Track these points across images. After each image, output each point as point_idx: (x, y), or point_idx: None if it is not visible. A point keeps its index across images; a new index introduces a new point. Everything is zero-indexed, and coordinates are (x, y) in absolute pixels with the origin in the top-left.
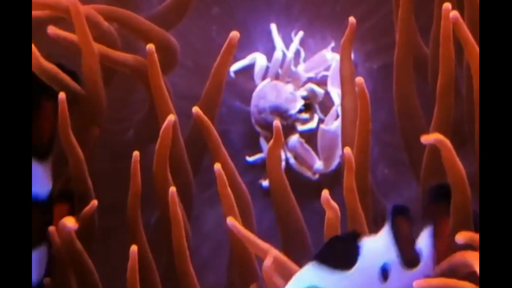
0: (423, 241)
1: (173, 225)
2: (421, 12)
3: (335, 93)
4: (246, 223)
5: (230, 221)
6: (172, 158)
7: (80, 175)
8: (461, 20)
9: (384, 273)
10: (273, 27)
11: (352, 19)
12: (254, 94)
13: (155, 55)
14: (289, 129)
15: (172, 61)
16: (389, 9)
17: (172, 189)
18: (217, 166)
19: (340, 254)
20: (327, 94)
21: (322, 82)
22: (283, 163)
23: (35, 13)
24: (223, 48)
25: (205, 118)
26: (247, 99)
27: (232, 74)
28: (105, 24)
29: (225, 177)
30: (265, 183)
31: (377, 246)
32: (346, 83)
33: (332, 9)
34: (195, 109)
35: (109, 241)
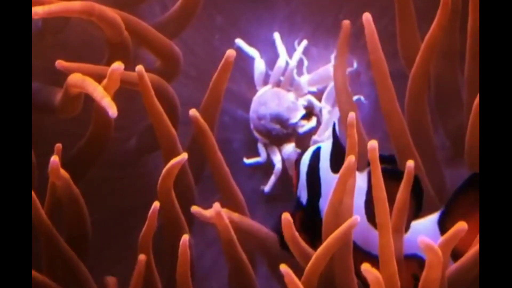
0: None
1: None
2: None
3: (326, 110)
4: None
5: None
6: None
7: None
8: None
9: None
10: (277, 35)
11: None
12: (254, 99)
13: (146, 76)
14: (287, 136)
15: (175, 70)
16: (391, 18)
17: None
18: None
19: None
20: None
21: (320, 97)
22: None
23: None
24: (219, 67)
25: (202, 120)
26: (249, 107)
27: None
28: (125, 31)
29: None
30: (266, 188)
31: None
32: (340, 92)
33: (335, 18)
34: (192, 112)
35: (112, 249)
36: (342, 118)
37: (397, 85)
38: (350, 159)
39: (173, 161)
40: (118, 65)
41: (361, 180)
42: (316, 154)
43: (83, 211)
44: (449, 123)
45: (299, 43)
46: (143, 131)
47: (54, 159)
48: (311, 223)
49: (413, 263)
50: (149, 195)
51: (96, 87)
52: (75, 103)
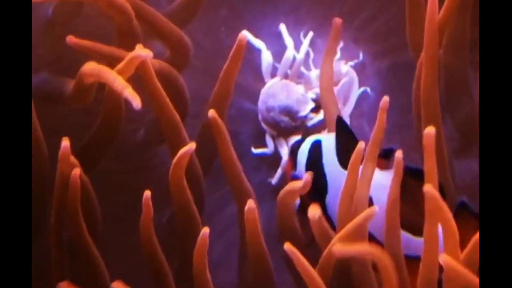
0: None
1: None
2: None
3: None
4: None
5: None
6: None
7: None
8: None
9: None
10: (283, 27)
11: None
12: (263, 91)
13: (149, 61)
14: (295, 129)
15: (185, 60)
16: (397, 9)
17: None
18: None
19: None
20: None
21: None
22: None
23: None
24: (232, 51)
25: (220, 120)
26: (256, 99)
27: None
28: (135, 20)
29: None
30: (273, 181)
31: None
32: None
33: (340, 10)
34: (212, 112)
35: (118, 243)
36: (326, 116)
37: (402, 76)
38: (360, 146)
39: (182, 151)
40: (144, 53)
41: (384, 177)
42: (316, 148)
43: (93, 202)
44: (457, 115)
45: (304, 35)
46: (151, 123)
47: (65, 146)
48: None
49: None
50: (157, 189)
51: (116, 77)
52: (88, 92)
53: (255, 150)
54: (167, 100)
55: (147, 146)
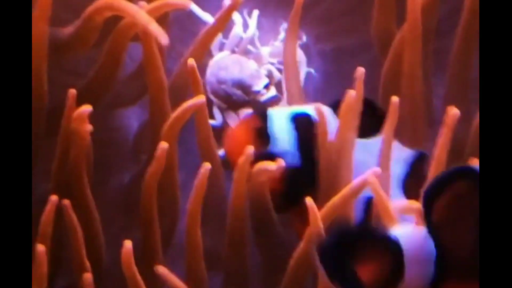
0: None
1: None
2: None
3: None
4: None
5: None
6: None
7: None
8: None
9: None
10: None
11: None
12: (212, 63)
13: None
14: (246, 103)
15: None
16: None
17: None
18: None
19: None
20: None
21: (279, 70)
22: None
23: None
24: (220, 13)
25: (197, 74)
26: (202, 71)
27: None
28: None
29: None
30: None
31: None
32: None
33: None
34: (190, 61)
35: None
36: (288, 94)
37: (345, 60)
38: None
39: (189, 103)
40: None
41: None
42: (304, 123)
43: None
44: None
45: (248, 14)
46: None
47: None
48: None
49: None
50: (119, 149)
51: (138, 10)
52: (92, 34)
53: None
54: (160, 62)
55: (112, 107)
